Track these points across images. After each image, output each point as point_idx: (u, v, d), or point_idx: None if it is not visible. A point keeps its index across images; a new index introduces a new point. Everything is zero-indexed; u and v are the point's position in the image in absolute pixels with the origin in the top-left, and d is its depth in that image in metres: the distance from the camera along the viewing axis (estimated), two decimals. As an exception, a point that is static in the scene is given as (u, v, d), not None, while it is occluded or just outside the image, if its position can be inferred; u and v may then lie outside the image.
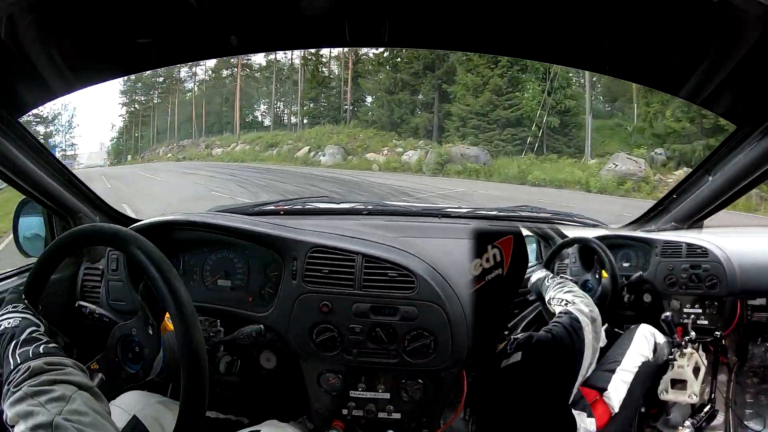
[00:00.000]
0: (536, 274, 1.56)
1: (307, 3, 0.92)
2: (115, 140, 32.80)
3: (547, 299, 1.42)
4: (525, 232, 1.82)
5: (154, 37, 0.97)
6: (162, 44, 1.01)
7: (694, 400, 1.55)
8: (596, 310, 1.34)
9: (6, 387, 0.67)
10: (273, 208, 1.49)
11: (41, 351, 0.71)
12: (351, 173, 16.92)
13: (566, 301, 1.33)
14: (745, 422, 1.61)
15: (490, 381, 1.21)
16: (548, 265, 1.89)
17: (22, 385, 0.65)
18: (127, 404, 1.02)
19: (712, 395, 1.65)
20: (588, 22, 0.91)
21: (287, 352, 1.15)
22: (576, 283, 1.84)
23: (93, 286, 1.37)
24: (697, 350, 1.62)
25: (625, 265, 1.91)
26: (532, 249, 2.18)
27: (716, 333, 1.67)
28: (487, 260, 1.11)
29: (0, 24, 0.80)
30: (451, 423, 1.20)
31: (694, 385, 1.54)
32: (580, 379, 1.23)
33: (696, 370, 1.57)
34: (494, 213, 1.54)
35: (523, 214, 1.62)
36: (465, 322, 1.06)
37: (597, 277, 1.84)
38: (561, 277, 1.52)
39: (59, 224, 1.39)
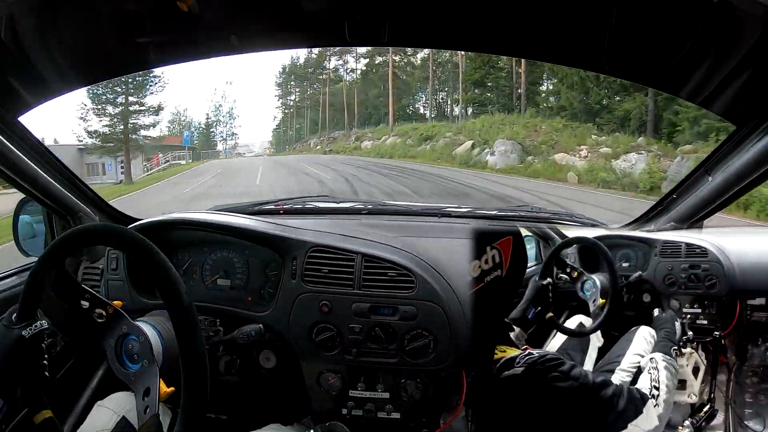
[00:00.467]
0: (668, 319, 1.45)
1: (307, 2, 0.92)
2: (275, 131, 33.47)
3: (645, 358, 1.30)
4: (524, 232, 1.82)
5: (153, 36, 0.97)
6: (162, 44, 1.01)
7: (694, 399, 1.55)
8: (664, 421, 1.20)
9: None
10: (273, 207, 1.49)
11: None
12: (537, 188, 10.40)
13: (659, 385, 1.18)
14: (745, 422, 1.61)
15: (490, 383, 1.21)
16: (548, 265, 1.89)
17: None
18: (116, 405, 1.00)
19: (712, 395, 1.65)
20: (588, 22, 0.91)
21: (287, 351, 1.15)
22: (575, 282, 1.85)
23: (92, 285, 1.36)
24: (697, 350, 1.62)
25: (625, 265, 1.91)
26: (531, 249, 2.18)
27: (716, 333, 1.67)
28: (486, 262, 1.10)
29: (0, 24, 0.80)
30: (451, 423, 1.20)
31: (694, 385, 1.54)
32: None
33: (695, 370, 1.57)
34: (494, 213, 1.54)
35: (522, 213, 1.62)
36: (464, 322, 1.06)
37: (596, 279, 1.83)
38: (674, 358, 1.35)
39: (59, 224, 1.39)
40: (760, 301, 1.64)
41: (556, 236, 2.00)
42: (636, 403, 1.13)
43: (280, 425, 1.11)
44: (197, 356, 0.75)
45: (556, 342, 1.71)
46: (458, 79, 20.63)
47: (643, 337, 1.57)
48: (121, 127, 19.43)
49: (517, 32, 1.00)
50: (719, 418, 1.61)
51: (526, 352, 1.20)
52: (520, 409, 1.16)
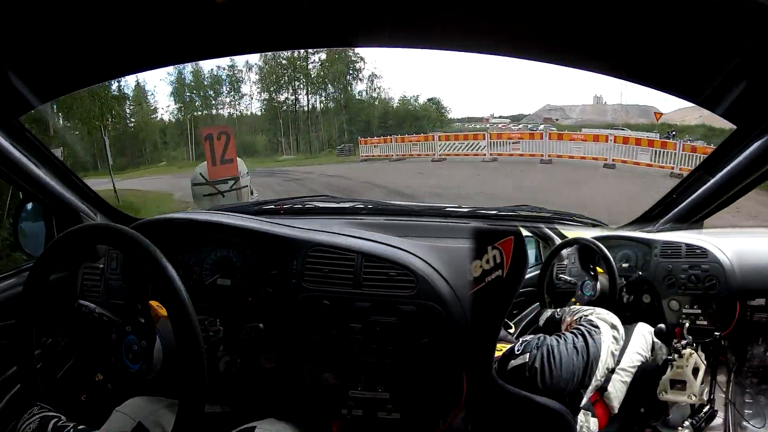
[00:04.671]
0: (544, 315, 1.60)
1: (307, 3, 0.92)
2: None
3: (566, 325, 1.41)
4: (524, 232, 1.82)
5: (154, 36, 0.97)
6: (162, 44, 1.01)
7: (694, 400, 1.55)
8: (617, 318, 1.32)
9: None
10: (273, 207, 1.49)
11: None
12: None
13: (584, 315, 1.32)
14: (745, 422, 1.61)
15: (491, 382, 1.21)
16: (547, 265, 1.89)
17: None
18: (132, 410, 1.01)
19: (712, 395, 1.65)
20: (586, 22, 0.91)
21: (287, 351, 1.15)
22: (575, 283, 1.85)
23: (93, 285, 1.37)
24: (697, 350, 1.62)
25: (625, 265, 1.91)
26: (531, 250, 2.18)
27: (715, 333, 1.67)
28: (487, 261, 1.10)
29: None
30: (451, 423, 1.20)
31: (694, 386, 1.54)
32: (594, 384, 1.19)
33: (695, 371, 1.57)
34: (494, 213, 1.54)
35: (522, 213, 1.62)
36: (465, 322, 1.06)
37: (593, 274, 1.83)
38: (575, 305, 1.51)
39: (59, 224, 1.39)
40: (759, 301, 1.64)
41: (556, 237, 2.00)
42: (590, 323, 1.23)
43: (275, 420, 1.10)
44: (195, 354, 0.75)
45: None
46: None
47: (642, 334, 1.56)
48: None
49: (518, 32, 1.00)
50: (719, 419, 1.60)
51: (519, 340, 1.22)
52: (521, 407, 1.16)
